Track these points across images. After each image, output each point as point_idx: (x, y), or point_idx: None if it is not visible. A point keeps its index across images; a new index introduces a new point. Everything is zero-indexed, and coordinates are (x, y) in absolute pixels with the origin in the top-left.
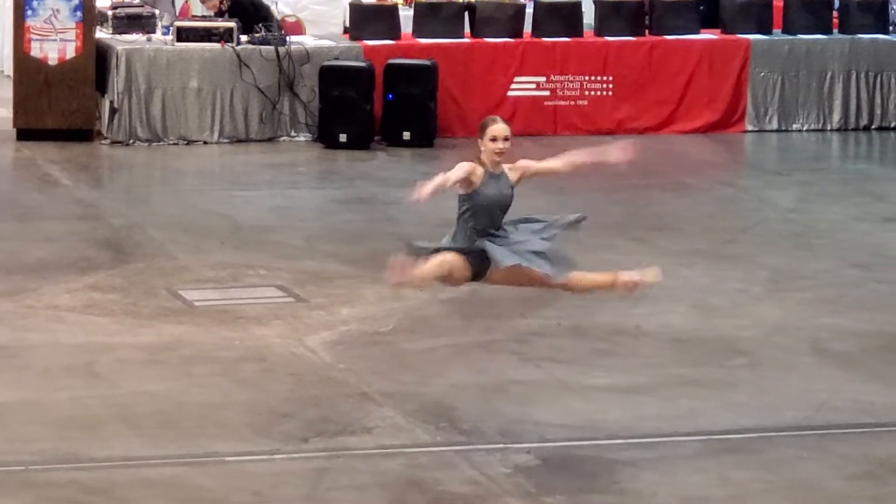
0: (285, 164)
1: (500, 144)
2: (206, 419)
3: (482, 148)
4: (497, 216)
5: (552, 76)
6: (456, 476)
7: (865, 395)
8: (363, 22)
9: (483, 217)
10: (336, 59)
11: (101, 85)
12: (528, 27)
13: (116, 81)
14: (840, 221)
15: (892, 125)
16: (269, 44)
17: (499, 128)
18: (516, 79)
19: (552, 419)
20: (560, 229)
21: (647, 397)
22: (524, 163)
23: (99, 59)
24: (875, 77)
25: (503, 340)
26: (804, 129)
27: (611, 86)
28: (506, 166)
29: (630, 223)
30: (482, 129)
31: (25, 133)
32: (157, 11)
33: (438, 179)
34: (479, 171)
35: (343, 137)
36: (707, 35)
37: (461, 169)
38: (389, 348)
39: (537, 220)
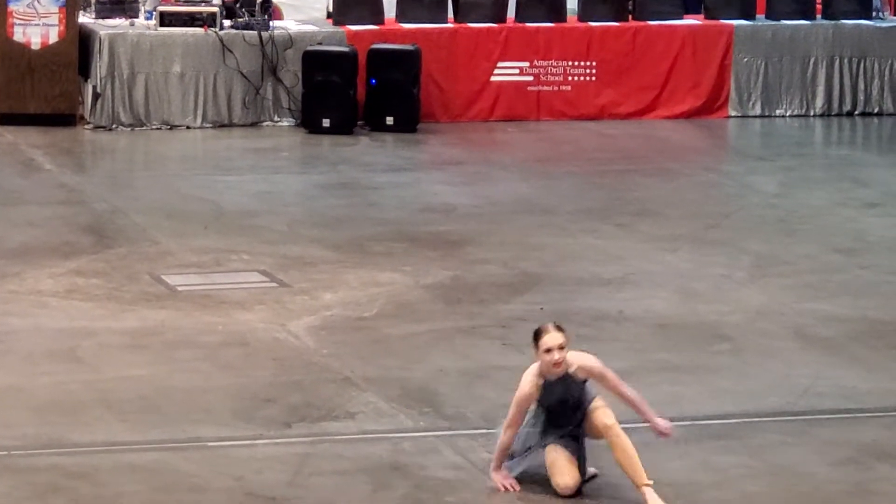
0: (268, 149)
1: (555, 356)
2: (189, 404)
3: (537, 359)
4: (572, 417)
5: (535, 61)
6: (439, 461)
7: (848, 380)
8: (346, 7)
9: (556, 420)
10: (319, 44)
11: (84, 70)
12: (511, 12)
13: (99, 66)
14: (823, 207)
15: (876, 111)
16: (252, 28)
17: (552, 338)
18: (499, 64)
19: None
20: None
21: (630, 382)
22: (599, 369)
23: (82, 44)
24: (858, 63)
25: (486, 326)
26: (787, 114)
27: (594, 71)
28: (573, 363)
29: (613, 208)
30: (535, 339)
31: (8, 118)
32: None
33: (500, 445)
34: (534, 383)
35: (326, 122)
36: (690, 20)
37: (513, 407)
38: (372, 333)
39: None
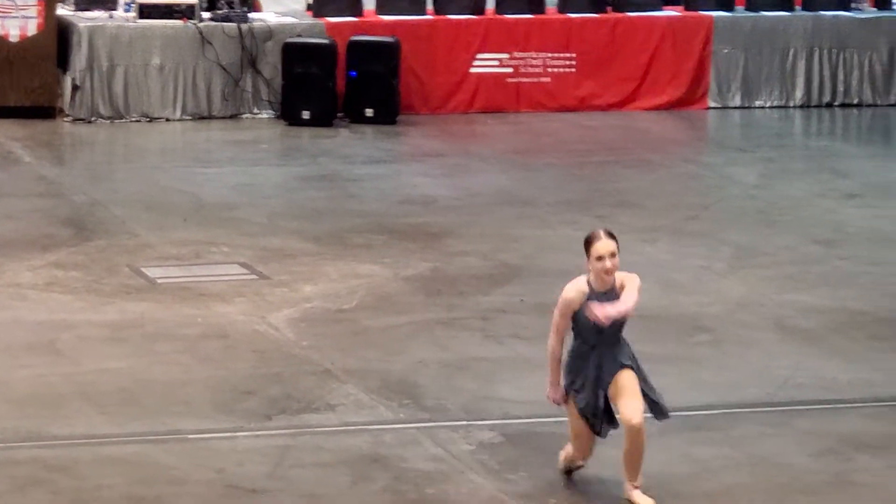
0: (248, 142)
1: (607, 263)
2: (169, 397)
3: (588, 267)
4: (610, 336)
5: (515, 53)
6: (419, 453)
7: (828, 371)
8: None
9: (591, 336)
10: (299, 36)
11: (63, 62)
12: (490, 4)
13: (78, 58)
14: (803, 198)
15: (855, 102)
16: (231, 20)
17: (604, 245)
18: (479, 56)
19: (515, 396)
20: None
21: None
22: (637, 287)
23: (61, 36)
24: (838, 54)
25: (466, 317)
26: (767, 105)
27: (574, 63)
28: (620, 282)
29: (593, 200)
30: (587, 245)
31: None
32: None
33: (551, 353)
34: (582, 291)
35: (306, 114)
36: (670, 12)
37: (557, 314)
38: (352, 325)
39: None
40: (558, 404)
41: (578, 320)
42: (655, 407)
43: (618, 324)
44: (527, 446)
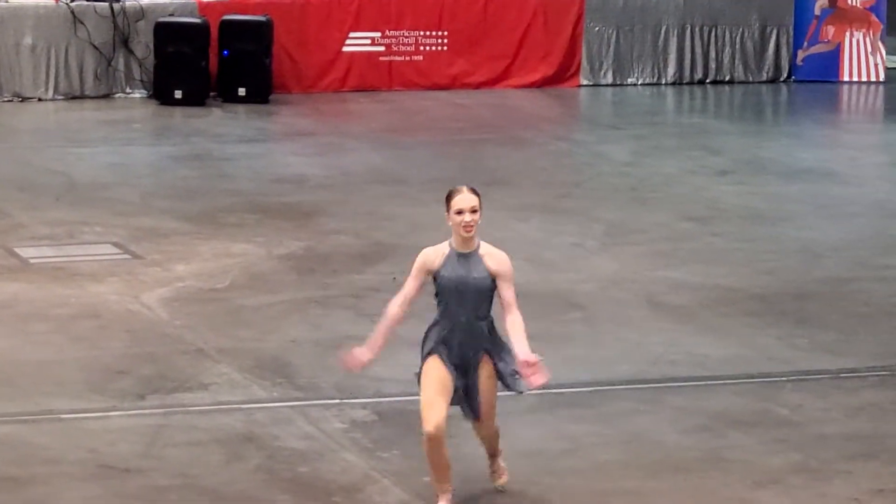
0: (120, 121)
1: (466, 217)
2: (42, 377)
3: (449, 222)
4: (470, 302)
5: (387, 31)
6: (293, 431)
7: (700, 348)
8: None
9: (452, 300)
10: (171, 15)
11: None
12: None
13: None
14: (675, 175)
15: (727, 79)
16: (103, 0)
17: (464, 198)
18: (351, 34)
19: (388, 374)
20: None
21: None
22: (507, 271)
23: None
24: (710, 31)
25: (339, 296)
26: (639, 83)
27: (446, 41)
28: (486, 251)
29: (465, 177)
30: (447, 200)
31: None
32: None
33: (385, 317)
34: (442, 251)
35: (178, 94)
36: None
37: (414, 269)
38: (226, 305)
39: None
40: (351, 369)
41: (440, 283)
42: (511, 380)
43: (483, 291)
44: (400, 424)
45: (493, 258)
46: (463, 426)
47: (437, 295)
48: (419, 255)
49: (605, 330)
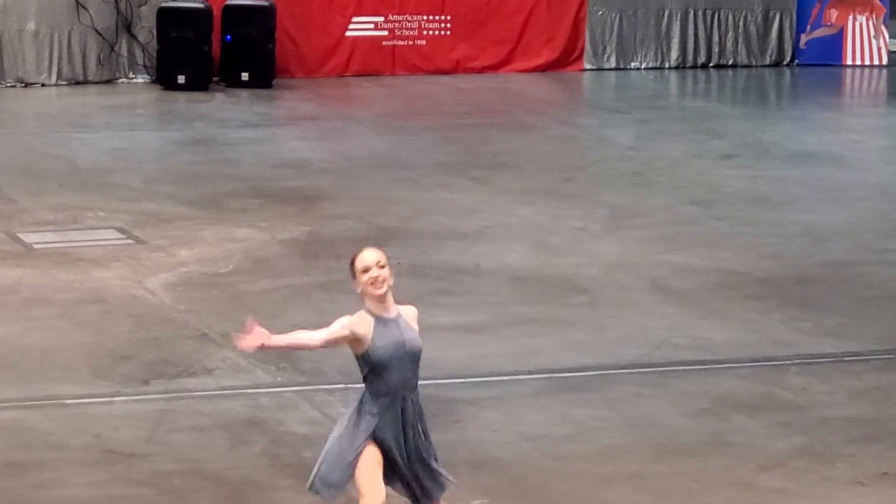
0: (124, 106)
1: (373, 272)
2: (46, 362)
3: (358, 290)
4: (409, 371)
5: (390, 16)
6: (297, 416)
7: (704, 331)
8: None
9: (392, 374)
10: (174, 0)
11: None
12: None
13: None
14: (678, 159)
15: (730, 63)
16: None
17: (366, 255)
18: (354, 19)
19: None
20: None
21: (487, 336)
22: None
23: None
24: (713, 15)
25: (343, 281)
26: (642, 67)
27: (449, 25)
28: (400, 307)
29: (469, 162)
30: (351, 267)
31: None
32: None
33: (293, 337)
34: (366, 321)
35: (181, 79)
36: None
37: (338, 325)
38: (229, 289)
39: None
40: (240, 345)
41: (374, 356)
42: (440, 478)
43: (418, 355)
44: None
45: (412, 316)
46: (465, 411)
47: (367, 375)
48: (345, 318)
49: (609, 314)
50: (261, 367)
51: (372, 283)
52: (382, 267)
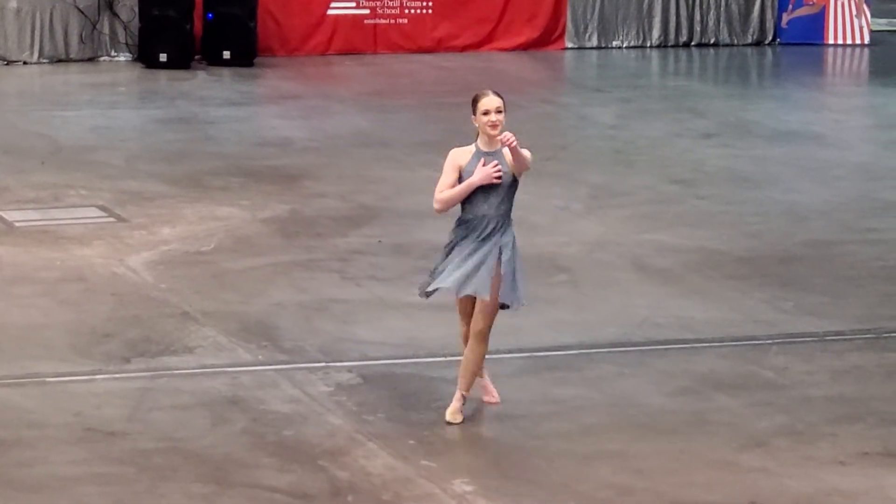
0: (105, 84)
1: (492, 117)
2: (27, 340)
3: (475, 124)
4: (493, 199)
5: None
6: (278, 395)
7: (686, 310)
8: None
9: (476, 196)
10: None
11: None
12: None
13: None
14: (660, 138)
15: (712, 41)
16: None
17: (489, 100)
18: None
19: (373, 337)
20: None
21: None
22: (527, 159)
23: None
24: None
25: (324, 259)
26: (624, 45)
27: (430, 4)
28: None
29: (451, 141)
30: (473, 103)
31: None
32: None
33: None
34: (467, 152)
35: (163, 57)
36: None
37: (446, 170)
38: (211, 268)
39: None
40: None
41: (465, 179)
42: (511, 296)
43: (507, 190)
44: (385, 388)
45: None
46: (446, 391)
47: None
48: (449, 154)
49: (591, 293)
50: (242, 346)
51: (489, 125)
52: (500, 112)
